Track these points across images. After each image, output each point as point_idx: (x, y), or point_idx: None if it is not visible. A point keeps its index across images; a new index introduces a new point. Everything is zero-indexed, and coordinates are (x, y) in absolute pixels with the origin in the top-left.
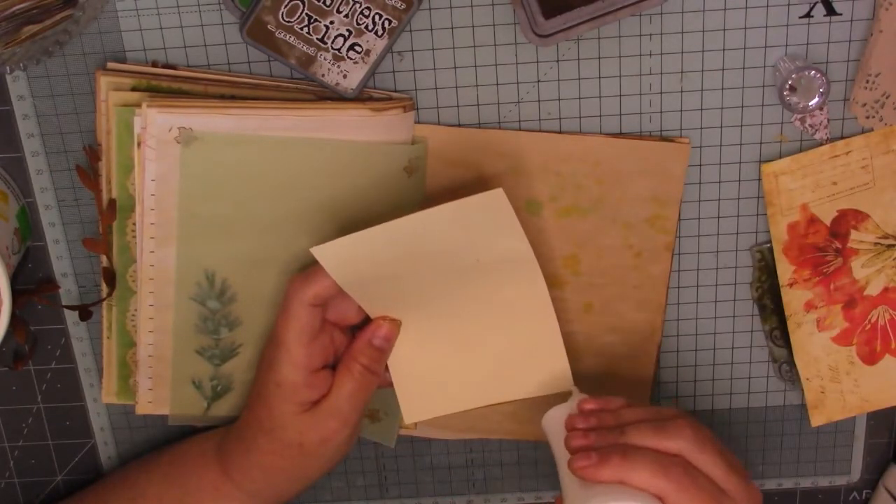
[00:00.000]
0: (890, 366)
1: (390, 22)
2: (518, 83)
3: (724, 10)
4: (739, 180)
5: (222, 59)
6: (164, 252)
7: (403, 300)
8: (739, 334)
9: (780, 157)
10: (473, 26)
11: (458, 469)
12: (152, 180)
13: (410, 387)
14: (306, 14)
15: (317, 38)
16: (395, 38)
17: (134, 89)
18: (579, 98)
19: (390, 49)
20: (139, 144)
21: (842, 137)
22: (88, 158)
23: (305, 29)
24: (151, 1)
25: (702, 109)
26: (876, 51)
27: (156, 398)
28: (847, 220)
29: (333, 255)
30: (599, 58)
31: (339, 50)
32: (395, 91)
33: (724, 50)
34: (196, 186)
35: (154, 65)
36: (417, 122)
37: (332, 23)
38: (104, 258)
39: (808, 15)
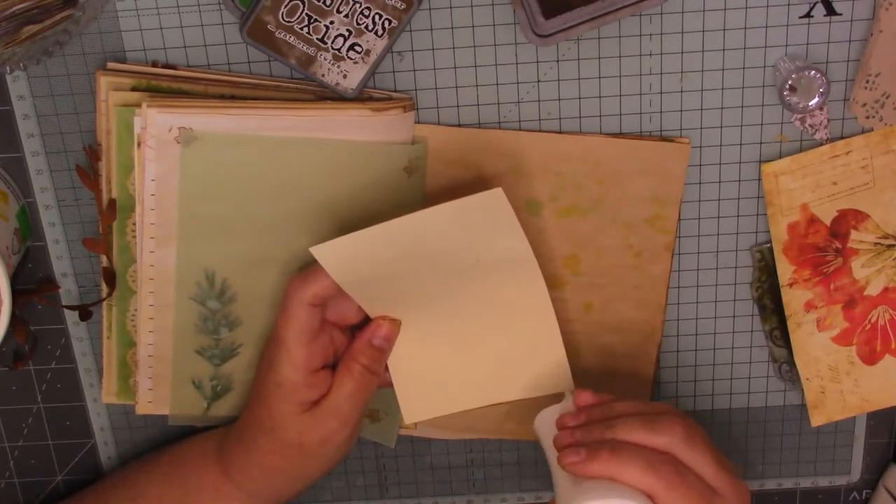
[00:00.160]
0: (890, 366)
1: (390, 22)
2: (518, 83)
3: (724, 10)
4: (739, 180)
5: (222, 59)
6: (164, 252)
7: (403, 300)
8: (739, 334)
9: (780, 157)
10: (473, 26)
11: (458, 469)
12: (152, 180)
13: (410, 387)
14: (306, 14)
15: (317, 38)
16: (395, 38)
17: (134, 89)
18: (579, 98)
19: (390, 49)
20: (139, 144)
21: (842, 137)
22: (88, 158)
23: (305, 29)
24: (151, 1)
25: (702, 109)
26: (876, 51)
27: (156, 398)
28: (847, 220)
29: (333, 255)
30: (599, 58)
31: (339, 50)
32: (395, 91)
33: (724, 50)
34: (196, 186)
35: (154, 65)
36: (417, 122)
37: (332, 23)
38: (104, 258)
39: (808, 15)
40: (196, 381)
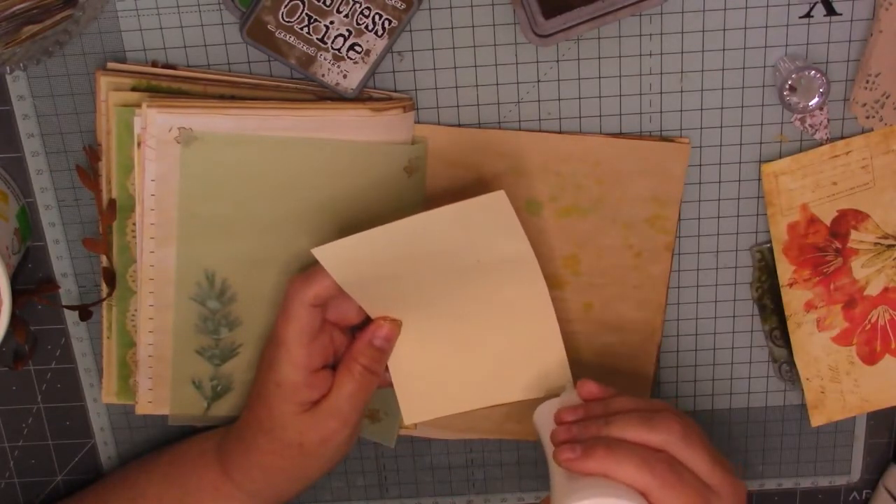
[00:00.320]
0: (890, 366)
1: (390, 22)
2: (518, 83)
3: (724, 10)
4: (739, 180)
5: (222, 59)
6: (164, 252)
7: (404, 301)
8: (739, 334)
9: (780, 157)
10: (473, 26)
11: (458, 469)
12: (152, 180)
13: (410, 387)
14: (306, 14)
15: (317, 38)
16: (395, 38)
17: (134, 89)
18: (579, 98)
19: (390, 49)
20: (139, 144)
21: (842, 137)
22: (88, 158)
23: (305, 29)
24: (151, 1)
25: (702, 109)
26: (876, 51)
27: (156, 398)
28: (847, 220)
29: (334, 256)
30: (599, 58)
31: (339, 50)
32: (395, 91)
33: (724, 50)
34: (196, 186)
35: (154, 65)
36: (417, 122)
37: (332, 23)
38: (104, 258)
39: (808, 15)
40: (196, 381)
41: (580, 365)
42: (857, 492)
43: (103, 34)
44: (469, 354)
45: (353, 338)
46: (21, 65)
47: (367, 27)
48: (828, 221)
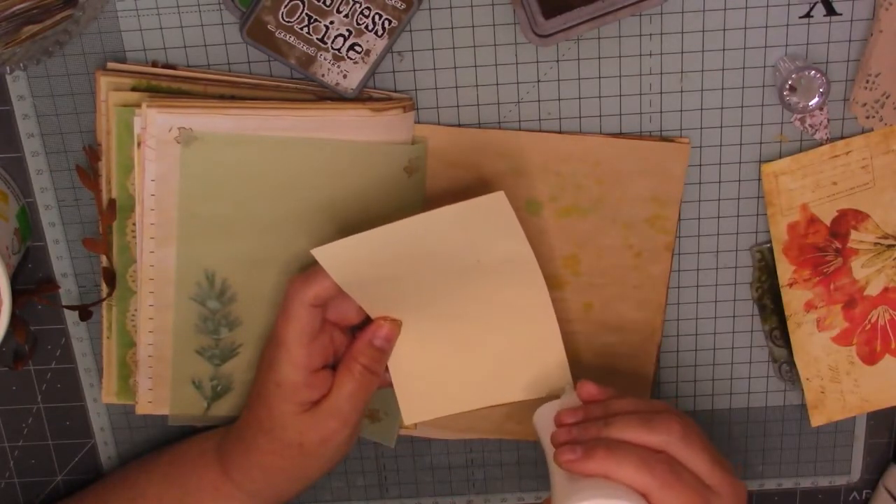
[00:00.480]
0: (890, 366)
1: (390, 22)
2: (518, 83)
3: (724, 10)
4: (739, 180)
5: (222, 59)
6: (164, 252)
7: (404, 301)
8: (739, 334)
9: (780, 157)
10: (473, 26)
11: (458, 469)
12: (152, 180)
13: (410, 387)
14: (306, 14)
15: (317, 38)
16: (395, 38)
17: (134, 89)
18: (579, 98)
19: (390, 49)
20: (139, 144)
21: (842, 137)
22: (88, 158)
23: (305, 29)
24: (151, 1)
25: (702, 109)
26: (876, 51)
27: (156, 398)
28: (847, 220)
29: (334, 257)
30: (599, 58)
31: (339, 50)
32: (395, 91)
33: (724, 50)
34: (196, 186)
35: (154, 65)
36: (417, 122)
37: (332, 23)
38: (104, 258)
39: (808, 15)
40: (196, 381)
41: (580, 365)
42: (857, 492)
43: (103, 34)
44: (469, 355)
45: (354, 338)
46: (21, 65)
47: (367, 27)
48: (828, 221)
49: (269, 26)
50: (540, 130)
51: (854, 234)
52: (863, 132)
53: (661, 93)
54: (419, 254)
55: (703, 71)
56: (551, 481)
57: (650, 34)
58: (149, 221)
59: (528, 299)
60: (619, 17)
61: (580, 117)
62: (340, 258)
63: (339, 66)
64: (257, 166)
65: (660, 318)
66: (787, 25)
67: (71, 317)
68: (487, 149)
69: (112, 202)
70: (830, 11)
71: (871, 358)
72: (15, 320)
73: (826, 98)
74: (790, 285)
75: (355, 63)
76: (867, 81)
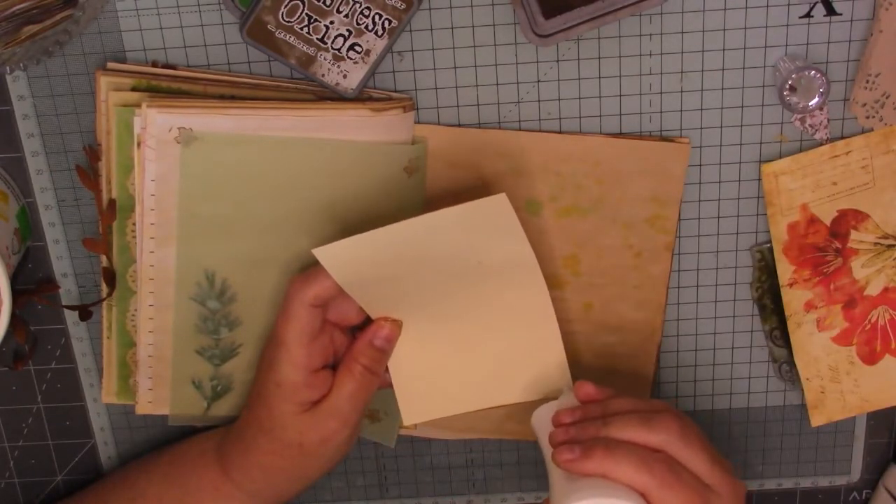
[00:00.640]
0: (890, 366)
1: (390, 22)
2: (518, 83)
3: (724, 10)
4: (739, 180)
5: (222, 59)
6: (164, 252)
7: (404, 302)
8: (739, 334)
9: (780, 157)
10: (473, 26)
11: (458, 469)
12: (152, 180)
13: (410, 388)
14: (306, 14)
15: (317, 38)
16: (395, 38)
17: (134, 89)
18: (579, 98)
19: (390, 49)
20: (139, 144)
21: (842, 137)
22: (88, 158)
23: (305, 29)
24: (151, 1)
25: (702, 109)
26: (876, 51)
27: (156, 398)
28: (847, 220)
29: (335, 257)
30: (599, 58)
31: (339, 50)
32: (395, 91)
33: (724, 50)
34: (196, 186)
35: (154, 65)
36: (417, 122)
37: (332, 23)
38: (104, 258)
39: (808, 15)
40: (196, 381)
41: (580, 365)
42: (857, 492)
43: (103, 34)
44: (469, 356)
45: (354, 338)
46: (21, 65)
47: (367, 27)
48: (828, 221)
49: (269, 26)
50: (540, 130)
51: (854, 234)
52: (863, 132)
53: (661, 93)
54: (420, 255)
55: (703, 71)
56: (550, 481)
57: (650, 34)
58: (149, 221)
59: (528, 301)
60: (619, 17)
61: (580, 117)
62: (341, 258)
63: (339, 66)
64: (257, 166)
65: (660, 318)
66: (787, 25)
67: (71, 317)
68: (487, 149)
69: (112, 202)
70: (830, 11)
71: (871, 358)
72: (15, 320)
73: (826, 98)
74: (790, 285)
75: (355, 63)
76: (867, 81)
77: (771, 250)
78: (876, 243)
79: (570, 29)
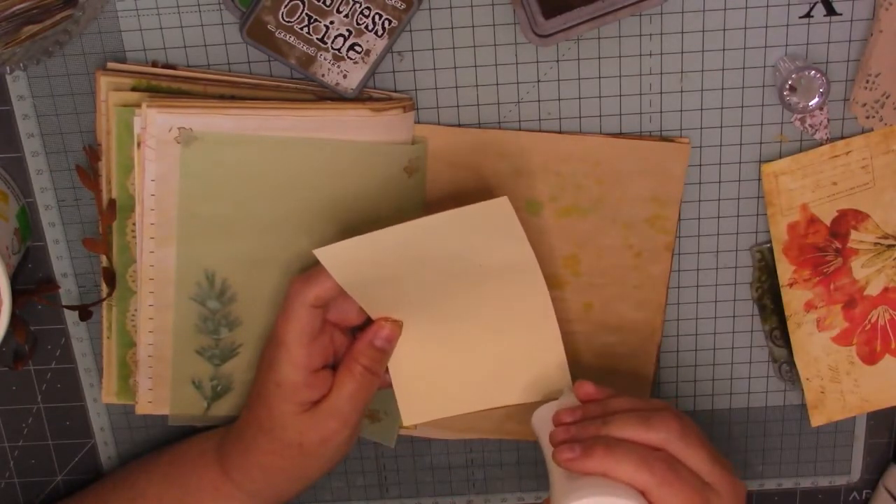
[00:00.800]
0: (890, 366)
1: (390, 22)
2: (518, 83)
3: (724, 10)
4: (739, 180)
5: (222, 59)
6: (164, 252)
7: (405, 302)
8: (739, 334)
9: (780, 157)
10: (473, 26)
11: (458, 469)
12: (152, 180)
13: (410, 389)
14: (306, 14)
15: (317, 38)
16: (395, 38)
17: (134, 89)
18: (579, 98)
19: (390, 49)
20: (139, 144)
21: (842, 137)
22: (88, 158)
23: (305, 29)
24: (151, 1)
25: (702, 109)
26: (876, 51)
27: (156, 398)
28: (847, 220)
29: (335, 258)
30: (599, 58)
31: (339, 50)
32: (395, 91)
33: (724, 50)
34: (196, 186)
35: (154, 65)
36: (417, 122)
37: (332, 23)
38: (104, 258)
39: (808, 15)
40: (196, 381)
41: (580, 365)
42: (857, 492)
43: (103, 34)
44: (469, 357)
45: (354, 338)
46: (21, 65)
47: (367, 27)
48: (828, 221)
49: (269, 26)
50: (540, 130)
51: (854, 234)
52: (863, 132)
53: (661, 93)
54: (421, 256)
55: (703, 71)
56: (550, 481)
57: (650, 34)
58: (149, 221)
59: (529, 303)
60: (619, 17)
61: (580, 117)
62: (342, 259)
63: (339, 66)
64: (257, 166)
65: (660, 318)
66: (787, 25)
67: (71, 317)
68: (487, 149)
69: (112, 202)
70: (830, 11)
71: (871, 358)
72: (15, 320)
73: (826, 98)
74: (790, 285)
75: (355, 63)
76: (867, 81)
77: (771, 250)
78: (876, 243)
79: (570, 29)
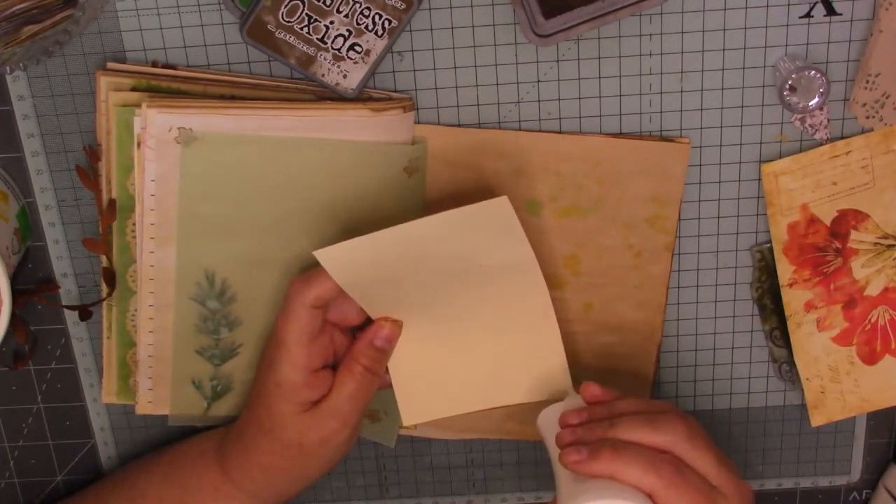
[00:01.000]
0: (890, 366)
1: (390, 22)
2: (518, 83)
3: (724, 10)
4: (739, 180)
5: (222, 59)
6: (164, 252)
7: (405, 302)
8: (739, 334)
9: (780, 157)
10: (473, 26)
11: (458, 469)
12: (152, 180)
13: (410, 388)
14: (306, 14)
15: (317, 38)
16: (395, 38)
17: (134, 89)
18: (579, 98)
19: (390, 49)
20: (139, 144)
21: (842, 137)
22: (88, 158)
23: (305, 29)
24: (151, 1)
25: (702, 109)
26: (876, 51)
27: (156, 398)
28: (847, 220)
29: (335, 258)
30: (599, 58)
31: (339, 50)
32: (395, 91)
33: (724, 50)
34: (196, 186)
35: (154, 65)
36: (417, 122)
37: (332, 23)
38: (104, 258)
39: (808, 15)
40: (196, 381)
41: (580, 365)
42: (857, 492)
43: (103, 34)
44: (469, 356)
45: (354, 338)
46: (21, 65)
47: (367, 27)
48: (828, 221)
49: (269, 26)
50: (540, 130)
51: (854, 234)
52: (863, 132)
53: (661, 93)
54: (421, 256)
55: (703, 71)
56: (556, 482)
57: (650, 34)
58: (149, 221)
59: (529, 303)
60: (619, 17)
61: (580, 117)
62: (342, 260)
63: (339, 66)
64: (257, 166)
65: (660, 318)
66: (787, 25)
67: (71, 317)
68: (487, 149)
69: (112, 202)
70: (830, 11)
71: (871, 358)
72: (15, 320)
73: (826, 98)
74: (790, 285)
75: (355, 63)
76: (867, 81)
77: (771, 250)
78: (876, 243)
79: (570, 29)
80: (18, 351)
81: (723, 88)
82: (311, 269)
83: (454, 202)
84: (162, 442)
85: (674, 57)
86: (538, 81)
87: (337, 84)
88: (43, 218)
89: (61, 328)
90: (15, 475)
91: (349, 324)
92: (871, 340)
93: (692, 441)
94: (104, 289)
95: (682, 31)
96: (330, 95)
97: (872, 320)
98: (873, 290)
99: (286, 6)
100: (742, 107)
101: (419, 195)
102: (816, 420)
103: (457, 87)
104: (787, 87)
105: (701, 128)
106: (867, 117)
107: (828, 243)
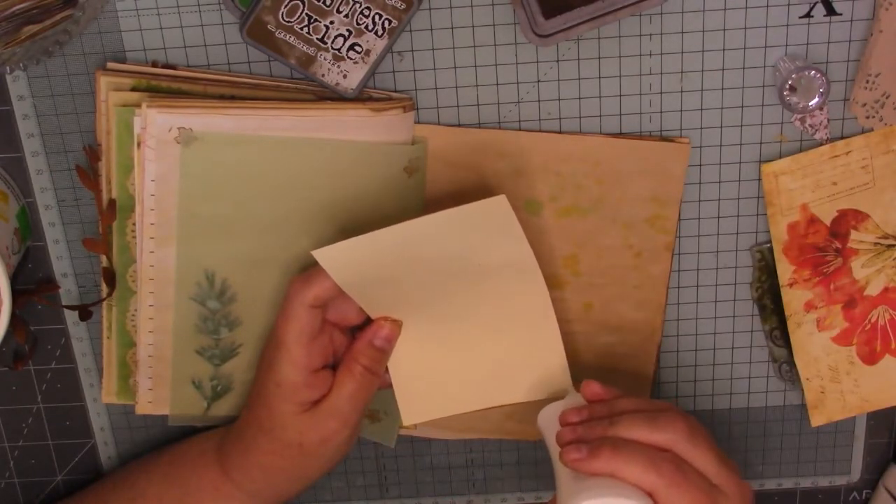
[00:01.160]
0: (890, 366)
1: (390, 22)
2: (518, 83)
3: (724, 10)
4: (739, 180)
5: (222, 59)
6: (164, 252)
7: (404, 302)
8: (739, 334)
9: (780, 157)
10: (473, 26)
11: (458, 469)
12: (152, 180)
13: (410, 388)
14: (306, 14)
15: (317, 38)
16: (395, 38)
17: (134, 89)
18: (579, 98)
19: (390, 49)
20: (139, 144)
21: (842, 137)
22: (88, 158)
23: (305, 29)
24: (151, 1)
25: (702, 109)
26: (876, 51)
27: (156, 398)
28: (847, 220)
29: (334, 258)
30: (599, 58)
31: (339, 50)
32: (395, 91)
33: (724, 50)
34: (196, 186)
35: (154, 65)
36: (417, 122)
37: (332, 23)
38: (104, 258)
39: (808, 15)
40: (196, 381)
41: (580, 365)
42: (857, 492)
43: (103, 34)
44: (468, 356)
45: (354, 338)
46: (21, 65)
47: (367, 27)
48: (828, 221)
49: (269, 26)
50: (540, 130)
51: (854, 234)
52: (863, 132)
53: (661, 93)
54: (420, 256)
55: (703, 71)
56: (557, 481)
57: (650, 34)
58: (149, 221)
59: (528, 302)
60: (619, 17)
61: (580, 117)
62: (341, 260)
63: (339, 66)
64: (257, 166)
65: (660, 318)
66: (787, 25)
67: (71, 317)
68: (487, 149)
69: (112, 202)
70: (830, 11)
71: (871, 358)
72: (15, 320)
73: (826, 98)
74: (790, 285)
75: (355, 63)
76: (867, 81)
77: (771, 250)
78: (876, 243)
79: (570, 29)
80: (18, 351)
81: (723, 88)
82: (310, 268)
83: (454, 202)
84: (162, 442)
85: (674, 57)
86: (538, 81)
87: (337, 84)
88: (43, 218)
89: (61, 328)
90: (15, 475)
91: (349, 323)
92: (871, 340)
93: (693, 440)
94: (104, 289)
95: (682, 31)
96: (330, 95)
97: (872, 320)
98: (873, 290)
99: (286, 6)
100: (742, 107)
101: (419, 195)
102: (816, 420)
103: (457, 87)
104: (787, 87)
105: (701, 128)
106: (867, 117)
107: (828, 243)
